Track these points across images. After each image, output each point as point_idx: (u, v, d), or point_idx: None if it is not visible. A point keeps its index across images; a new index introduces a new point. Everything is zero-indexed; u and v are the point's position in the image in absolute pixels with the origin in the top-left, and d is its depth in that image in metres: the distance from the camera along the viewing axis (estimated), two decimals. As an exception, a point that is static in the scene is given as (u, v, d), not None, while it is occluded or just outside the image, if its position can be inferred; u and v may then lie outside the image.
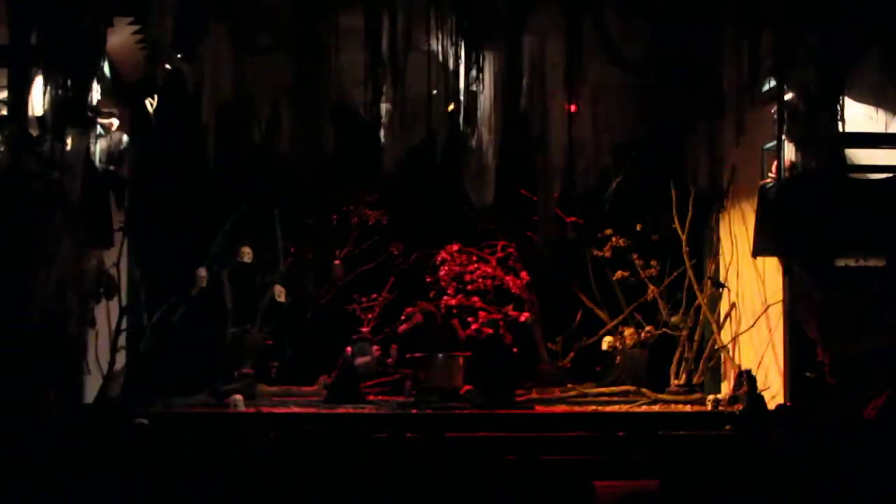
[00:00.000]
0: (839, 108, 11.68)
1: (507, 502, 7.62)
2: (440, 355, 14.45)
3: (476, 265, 15.95)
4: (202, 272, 14.95)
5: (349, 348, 14.77)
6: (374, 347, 15.02)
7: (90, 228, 12.50)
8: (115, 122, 12.94)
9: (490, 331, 14.77)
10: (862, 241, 12.49)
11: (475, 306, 15.66)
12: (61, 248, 11.92)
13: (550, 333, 16.03)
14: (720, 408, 13.79)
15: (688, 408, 14.37)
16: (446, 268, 15.87)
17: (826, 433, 9.58)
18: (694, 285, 15.36)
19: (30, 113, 11.83)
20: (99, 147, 12.89)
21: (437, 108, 12.13)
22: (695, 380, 15.17)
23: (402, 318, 15.39)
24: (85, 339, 12.82)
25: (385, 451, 8.96)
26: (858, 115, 12.34)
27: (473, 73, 11.88)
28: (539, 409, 14.25)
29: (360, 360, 14.69)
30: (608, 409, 14.29)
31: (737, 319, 14.99)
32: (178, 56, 12.06)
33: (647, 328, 15.62)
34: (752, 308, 14.54)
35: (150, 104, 13.19)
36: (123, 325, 14.03)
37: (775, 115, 12.18)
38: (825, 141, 11.78)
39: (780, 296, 13.73)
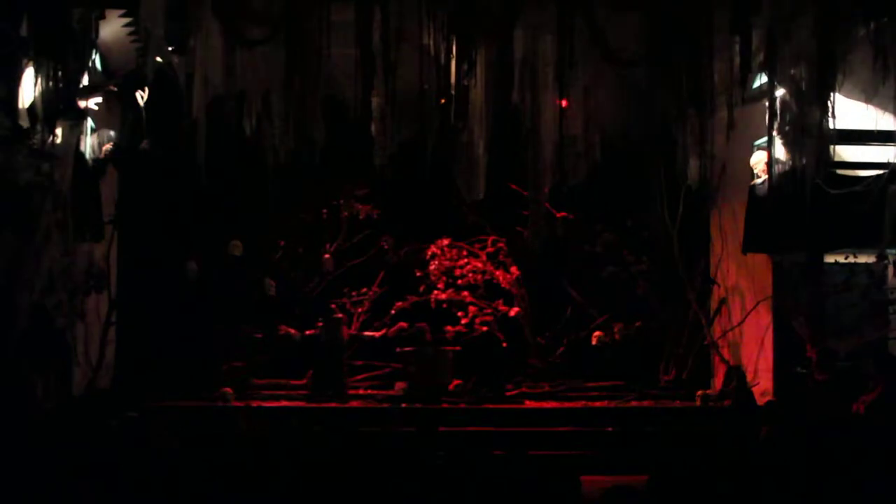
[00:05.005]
0: (830, 104, 11.69)
1: (496, 496, 7.64)
2: (430, 350, 14.51)
3: (466, 260, 15.94)
4: (192, 265, 14.96)
5: (319, 323, 14.85)
6: (345, 328, 15.07)
7: (80, 221, 12.49)
8: (93, 104, 12.85)
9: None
10: (851, 237, 12.52)
11: (465, 301, 15.66)
12: (51, 240, 11.91)
13: (540, 328, 16.03)
14: (709, 403, 13.82)
15: (677, 403, 14.40)
16: (436, 262, 15.87)
17: (815, 429, 9.61)
18: (683, 281, 15.37)
19: (20, 104, 11.81)
20: (89, 140, 12.90)
21: (428, 102, 12.10)
22: (684, 375, 15.19)
23: (388, 321, 15.51)
24: (74, 331, 12.81)
25: (374, 446, 8.98)
26: (849, 112, 12.37)
27: (465, 67, 11.86)
28: (528, 403, 14.28)
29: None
30: (597, 404, 14.32)
31: (726, 315, 15.02)
32: (169, 49, 12.03)
33: (637, 324, 15.62)
34: (741, 304, 14.57)
35: (141, 96, 13.17)
36: (113, 319, 14.04)
37: (767, 112, 12.20)
38: (816, 137, 11.79)
39: (769, 292, 13.78)
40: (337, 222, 16.10)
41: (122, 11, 12.40)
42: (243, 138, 12.83)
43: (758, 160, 13.27)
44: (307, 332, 14.97)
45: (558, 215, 15.46)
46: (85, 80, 12.16)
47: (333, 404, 13.84)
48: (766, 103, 12.13)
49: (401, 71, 11.80)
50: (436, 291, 15.71)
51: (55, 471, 8.08)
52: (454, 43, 11.79)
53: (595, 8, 11.76)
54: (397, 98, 11.96)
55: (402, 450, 8.83)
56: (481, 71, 12.15)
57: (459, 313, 15.58)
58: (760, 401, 12.91)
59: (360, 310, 15.80)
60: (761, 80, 12.42)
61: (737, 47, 11.74)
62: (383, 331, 15.29)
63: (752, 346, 14.15)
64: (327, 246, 16.03)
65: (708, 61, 11.92)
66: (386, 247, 16.11)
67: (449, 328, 15.32)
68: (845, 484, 7.79)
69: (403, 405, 13.84)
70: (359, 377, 15.24)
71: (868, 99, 12.27)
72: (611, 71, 12.50)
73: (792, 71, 11.75)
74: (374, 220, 16.10)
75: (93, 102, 12.71)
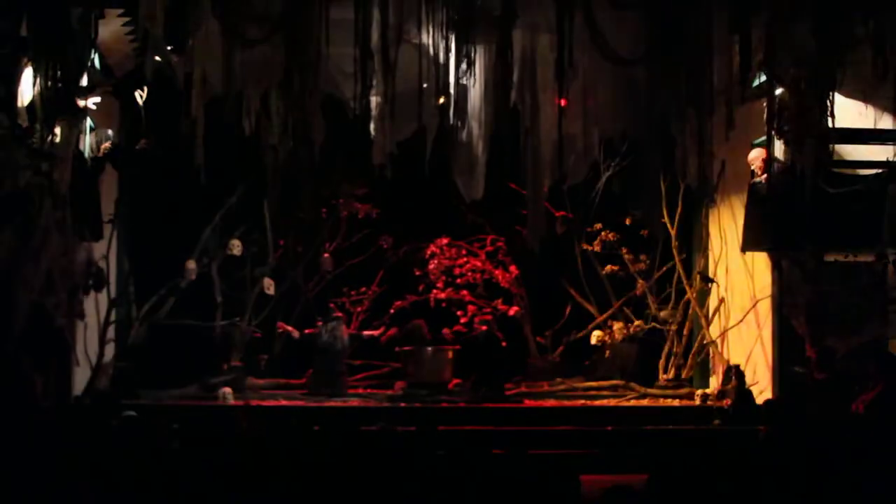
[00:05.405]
0: (829, 103, 11.68)
1: (495, 496, 7.62)
2: (429, 349, 14.51)
3: (465, 259, 15.96)
4: (191, 264, 14.95)
5: (319, 322, 14.85)
6: (344, 327, 15.07)
7: (80, 220, 12.48)
8: (91, 104, 12.83)
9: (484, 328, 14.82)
10: (851, 236, 12.52)
11: (464, 300, 15.67)
12: (51, 239, 11.90)
13: (540, 327, 16.03)
14: (708, 402, 13.81)
15: (676, 402, 14.40)
16: (436, 261, 15.87)
17: (814, 428, 9.59)
18: (683, 280, 15.37)
19: (19, 103, 11.79)
20: (88, 139, 12.88)
21: (427, 101, 12.10)
22: (683, 374, 15.19)
23: (387, 320, 15.51)
24: (74, 330, 12.80)
25: (373, 445, 8.96)
26: (849, 112, 12.36)
27: (464, 66, 11.86)
28: (528, 403, 14.27)
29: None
30: (597, 403, 14.32)
31: (726, 314, 15.01)
32: (169, 48, 12.02)
33: (636, 323, 15.62)
34: (740, 303, 14.57)
35: (140, 96, 13.16)
36: (112, 317, 14.03)
37: (766, 111, 12.19)
38: (815, 137, 11.78)
39: (768, 291, 13.77)
40: (336, 222, 16.10)
41: (121, 10, 12.39)
42: (243, 138, 12.82)
43: (754, 157, 13.27)
44: (307, 332, 14.98)
45: (557, 214, 15.46)
46: (84, 80, 12.15)
47: (333, 404, 13.83)
48: (766, 102, 12.12)
49: (400, 70, 11.80)
50: (435, 291, 15.72)
51: (54, 470, 8.07)
52: (453, 41, 11.79)
53: (594, 6, 11.76)
54: (397, 98, 11.96)
55: (402, 449, 8.81)
56: (481, 71, 12.15)
57: (459, 312, 15.58)
58: (759, 400, 12.91)
59: (359, 309, 15.81)
60: (761, 79, 12.41)
61: (736, 47, 11.74)
62: (381, 329, 15.29)
63: (751, 345, 14.14)
64: (326, 245, 16.03)
65: (708, 61, 11.92)
66: (385, 246, 16.12)
67: (446, 330, 15.32)
68: (845, 484, 7.78)
69: (402, 404, 13.84)
70: (359, 377, 15.25)
71: (868, 99, 12.27)
72: (611, 71, 12.50)
73: (791, 70, 11.75)
74: (374, 220, 16.11)
75: (92, 102, 12.69)
